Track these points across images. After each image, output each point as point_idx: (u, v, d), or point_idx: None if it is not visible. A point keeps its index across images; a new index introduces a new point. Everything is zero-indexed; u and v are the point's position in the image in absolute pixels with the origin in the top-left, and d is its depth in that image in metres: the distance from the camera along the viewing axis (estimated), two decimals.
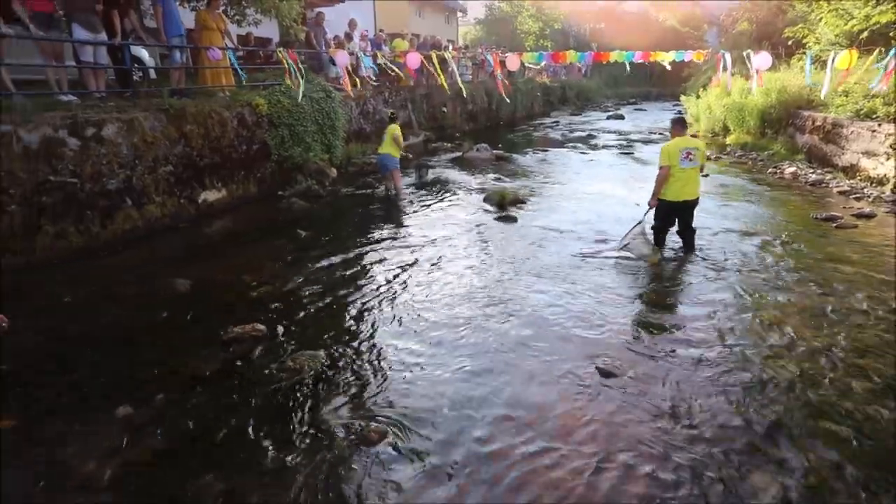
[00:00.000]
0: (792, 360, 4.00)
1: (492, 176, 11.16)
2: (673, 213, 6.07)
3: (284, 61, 9.50)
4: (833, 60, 9.46)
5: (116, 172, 6.63)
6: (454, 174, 11.35)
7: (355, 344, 4.37)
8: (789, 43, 14.71)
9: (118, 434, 3.30)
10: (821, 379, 3.75)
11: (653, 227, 6.27)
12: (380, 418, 3.43)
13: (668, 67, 11.23)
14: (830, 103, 10.58)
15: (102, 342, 4.37)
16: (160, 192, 7.26)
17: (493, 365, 4.00)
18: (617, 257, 6.08)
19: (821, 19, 12.85)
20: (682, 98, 20.00)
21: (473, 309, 4.91)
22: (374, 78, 12.75)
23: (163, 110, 7.43)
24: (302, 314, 4.90)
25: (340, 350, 4.27)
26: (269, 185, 9.30)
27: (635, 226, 6.27)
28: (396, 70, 12.19)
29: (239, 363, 4.07)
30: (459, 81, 12.93)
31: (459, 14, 36.50)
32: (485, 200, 8.79)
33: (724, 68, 11.23)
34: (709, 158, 12.38)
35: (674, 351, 4.16)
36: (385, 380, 3.86)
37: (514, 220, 7.74)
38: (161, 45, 9.07)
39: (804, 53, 11.87)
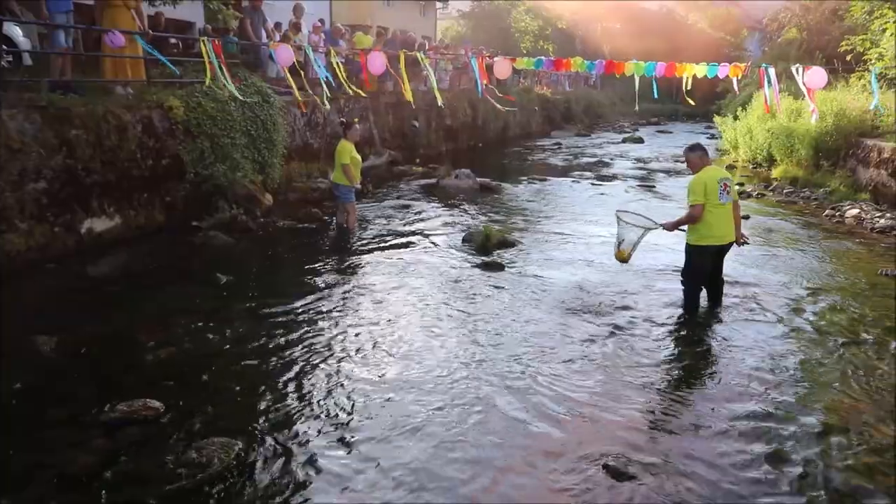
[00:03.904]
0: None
1: (474, 210, 11.24)
2: (710, 264, 6.27)
3: (206, 56, 9.53)
4: None
5: None
6: (426, 206, 11.42)
7: (285, 430, 4.25)
8: (848, 57, 15.43)
9: None
10: None
11: (683, 283, 6.40)
12: None
13: (689, 80, 11.60)
14: None
15: None
16: (26, 216, 7.12)
17: (460, 462, 3.92)
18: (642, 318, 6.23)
19: (885, 30, 13.55)
20: (717, 119, 20.73)
21: (438, 387, 4.85)
22: (328, 81, 12.74)
23: (38, 108, 7.37)
24: (214, 388, 4.76)
25: (264, 438, 4.14)
26: (181, 213, 9.21)
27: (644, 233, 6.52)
28: (345, 82, 12.05)
29: (123, 454, 3.91)
30: (435, 89, 13.09)
31: (439, 5, 37.60)
32: (464, 241, 8.84)
33: (769, 84, 11.68)
34: (749, 195, 12.87)
35: (705, 446, 4.13)
36: (322, 480, 3.74)
37: (499, 267, 7.78)
38: (41, 23, 8.96)
39: (866, 70, 12.43)
